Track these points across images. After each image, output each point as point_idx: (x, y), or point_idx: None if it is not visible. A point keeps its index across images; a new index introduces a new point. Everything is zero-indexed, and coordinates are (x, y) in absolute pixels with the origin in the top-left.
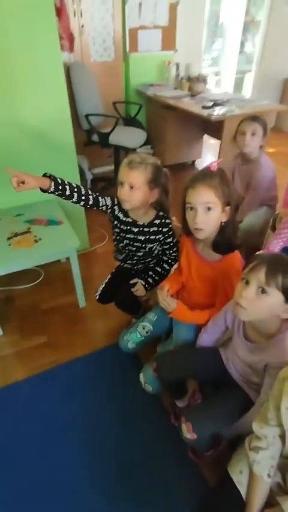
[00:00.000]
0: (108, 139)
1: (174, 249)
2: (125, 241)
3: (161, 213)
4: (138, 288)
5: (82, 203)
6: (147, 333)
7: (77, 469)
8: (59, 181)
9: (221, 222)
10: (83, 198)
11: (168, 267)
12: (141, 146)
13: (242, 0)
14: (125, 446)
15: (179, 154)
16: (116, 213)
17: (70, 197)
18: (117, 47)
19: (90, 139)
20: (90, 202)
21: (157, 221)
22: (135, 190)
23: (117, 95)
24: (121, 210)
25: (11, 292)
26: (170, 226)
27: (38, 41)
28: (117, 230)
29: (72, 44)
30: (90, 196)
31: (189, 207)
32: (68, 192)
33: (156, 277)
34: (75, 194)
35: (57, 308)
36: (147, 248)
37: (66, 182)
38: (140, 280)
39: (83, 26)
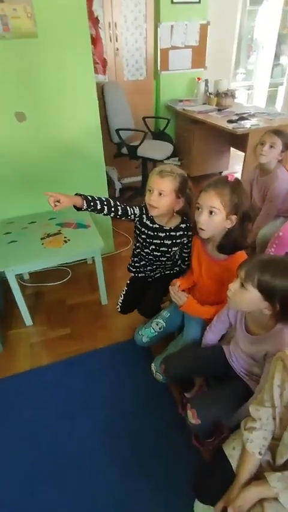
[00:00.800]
0: (136, 151)
1: (190, 250)
2: (151, 247)
3: (185, 218)
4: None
5: (112, 214)
6: (160, 329)
7: (94, 446)
8: (90, 199)
9: (227, 228)
10: (113, 209)
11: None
12: (168, 158)
13: (276, 13)
14: (137, 429)
15: (205, 166)
16: (144, 220)
17: (101, 211)
18: (148, 67)
19: (120, 151)
20: (120, 213)
21: (183, 225)
22: (163, 196)
23: (148, 111)
24: (148, 218)
25: (42, 288)
26: (192, 230)
27: (74, 66)
28: (143, 237)
29: (105, 68)
30: (119, 207)
31: (198, 207)
32: (99, 207)
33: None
34: (106, 207)
35: (82, 304)
36: (171, 252)
37: (96, 198)
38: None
39: (117, 49)
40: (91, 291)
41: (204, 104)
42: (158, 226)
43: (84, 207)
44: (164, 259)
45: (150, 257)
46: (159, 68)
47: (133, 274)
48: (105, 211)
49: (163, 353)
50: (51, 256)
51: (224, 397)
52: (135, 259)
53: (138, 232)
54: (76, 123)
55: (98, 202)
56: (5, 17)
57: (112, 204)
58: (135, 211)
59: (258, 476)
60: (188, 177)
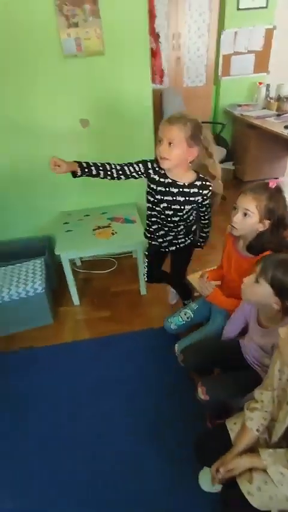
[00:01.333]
0: None
1: (208, 210)
2: (161, 205)
3: (201, 175)
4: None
5: (109, 178)
6: (188, 318)
7: (116, 417)
8: (85, 165)
9: (259, 230)
10: (108, 173)
11: (208, 229)
12: (221, 162)
13: None
14: (157, 405)
15: (261, 171)
16: (152, 175)
17: (97, 175)
18: (208, 73)
19: None
20: (115, 175)
21: (198, 182)
22: (174, 147)
23: (205, 115)
24: (157, 172)
25: (90, 275)
26: (210, 188)
27: (134, 78)
28: (152, 193)
29: (162, 78)
30: (114, 170)
31: (234, 207)
32: (94, 172)
33: (204, 236)
34: (101, 172)
35: (123, 292)
36: (184, 211)
37: (92, 163)
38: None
39: (179, 58)
40: (133, 281)
41: (263, 108)
42: (170, 181)
43: (79, 173)
44: (176, 219)
45: (162, 217)
46: (219, 74)
47: (148, 241)
48: (101, 175)
49: (187, 336)
50: (100, 245)
51: (234, 382)
52: (149, 222)
53: (148, 189)
54: (132, 129)
55: (93, 168)
56: (78, 39)
57: (108, 168)
58: (138, 169)
59: (253, 451)
60: (201, 122)
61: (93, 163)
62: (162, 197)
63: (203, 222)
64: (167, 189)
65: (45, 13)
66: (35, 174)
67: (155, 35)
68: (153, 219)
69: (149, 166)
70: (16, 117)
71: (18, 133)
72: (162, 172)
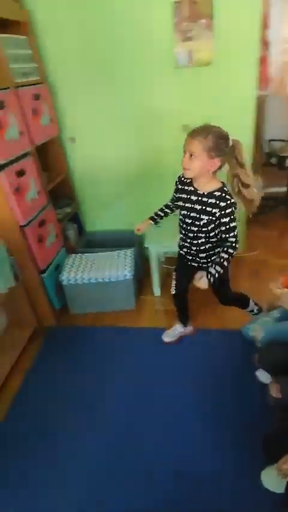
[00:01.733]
0: (285, 162)
1: (231, 234)
2: (182, 212)
3: (225, 188)
4: (202, 283)
5: (174, 210)
6: None
7: (184, 403)
8: (155, 217)
9: None
10: (173, 208)
11: (226, 255)
12: None
13: None
14: (225, 399)
15: None
16: (178, 185)
17: (167, 214)
18: None
19: (269, 161)
20: (172, 207)
21: (217, 193)
22: (194, 158)
23: None
24: (181, 181)
25: (170, 270)
26: (229, 203)
27: (238, 86)
28: (178, 200)
29: (267, 85)
30: (170, 204)
31: None
32: (162, 214)
33: (217, 267)
34: (168, 210)
35: (201, 291)
36: (202, 222)
37: (159, 213)
38: (202, 272)
39: (287, 62)
40: None
41: None
42: (192, 189)
43: (152, 224)
44: (195, 229)
45: (184, 226)
46: None
47: (178, 251)
48: (170, 212)
49: (275, 324)
50: None
51: None
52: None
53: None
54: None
55: (162, 214)
56: (191, 52)
57: (169, 205)
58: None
59: None
60: (226, 134)
61: (162, 210)
62: (183, 204)
63: (223, 247)
64: (188, 196)
65: (164, 30)
66: (133, 174)
67: (265, 43)
68: (179, 228)
69: (177, 179)
70: (129, 120)
71: (130, 135)
72: (188, 181)
